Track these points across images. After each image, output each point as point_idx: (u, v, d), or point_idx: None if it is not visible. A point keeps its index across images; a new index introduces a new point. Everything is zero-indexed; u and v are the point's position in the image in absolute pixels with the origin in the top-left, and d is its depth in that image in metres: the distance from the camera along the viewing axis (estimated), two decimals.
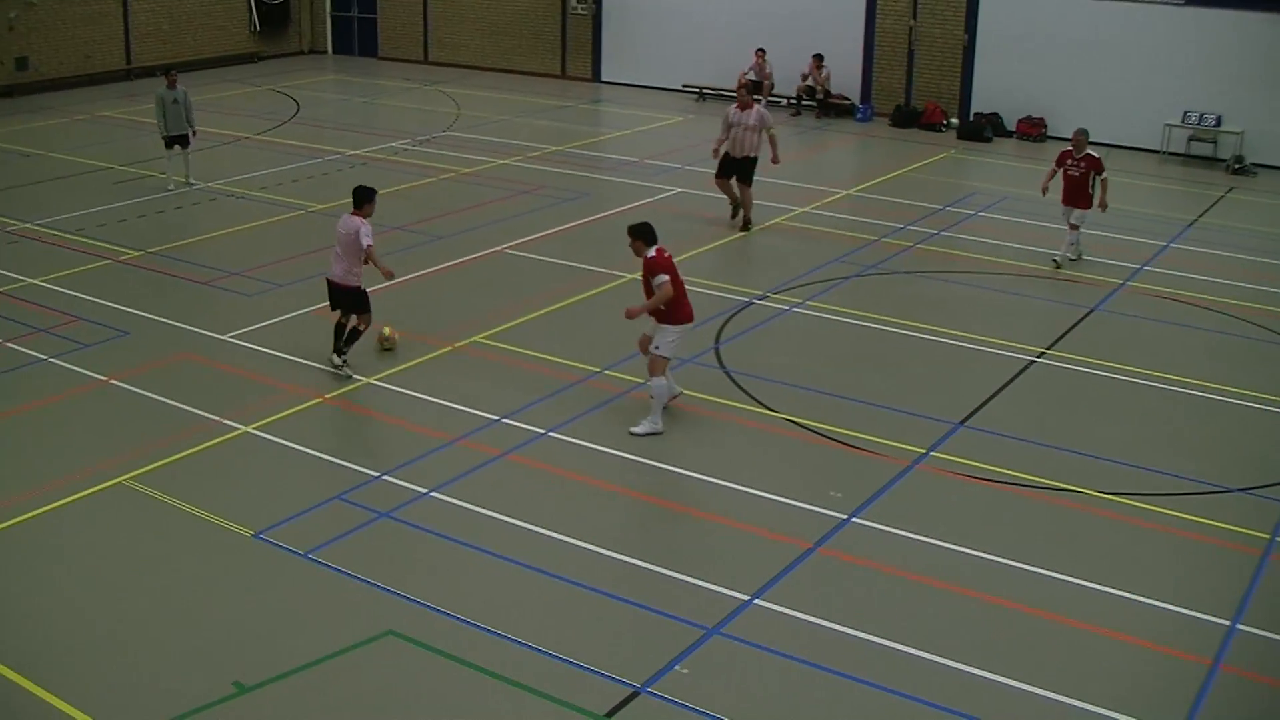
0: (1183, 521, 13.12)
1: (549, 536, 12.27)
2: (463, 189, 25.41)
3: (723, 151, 22.91)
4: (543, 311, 18.22)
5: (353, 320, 15.81)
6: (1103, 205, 21.29)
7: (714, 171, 23.30)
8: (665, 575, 11.70)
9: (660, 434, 14.45)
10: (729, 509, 12.97)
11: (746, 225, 22.93)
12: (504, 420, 14.60)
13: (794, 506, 13.00)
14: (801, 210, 24.35)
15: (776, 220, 23.50)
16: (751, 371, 16.23)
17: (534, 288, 19.25)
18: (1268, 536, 12.90)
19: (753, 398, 15.49)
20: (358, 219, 15.46)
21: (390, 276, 15.67)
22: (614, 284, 19.26)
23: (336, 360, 15.77)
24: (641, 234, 14.48)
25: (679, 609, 11.15)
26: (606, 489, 13.47)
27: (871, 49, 34.86)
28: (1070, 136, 21.77)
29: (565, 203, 24.44)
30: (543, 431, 14.38)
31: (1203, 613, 11.53)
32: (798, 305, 18.85)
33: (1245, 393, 16.34)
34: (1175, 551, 12.66)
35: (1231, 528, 13.03)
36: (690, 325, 14.66)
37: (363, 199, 15.59)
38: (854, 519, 12.80)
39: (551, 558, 11.91)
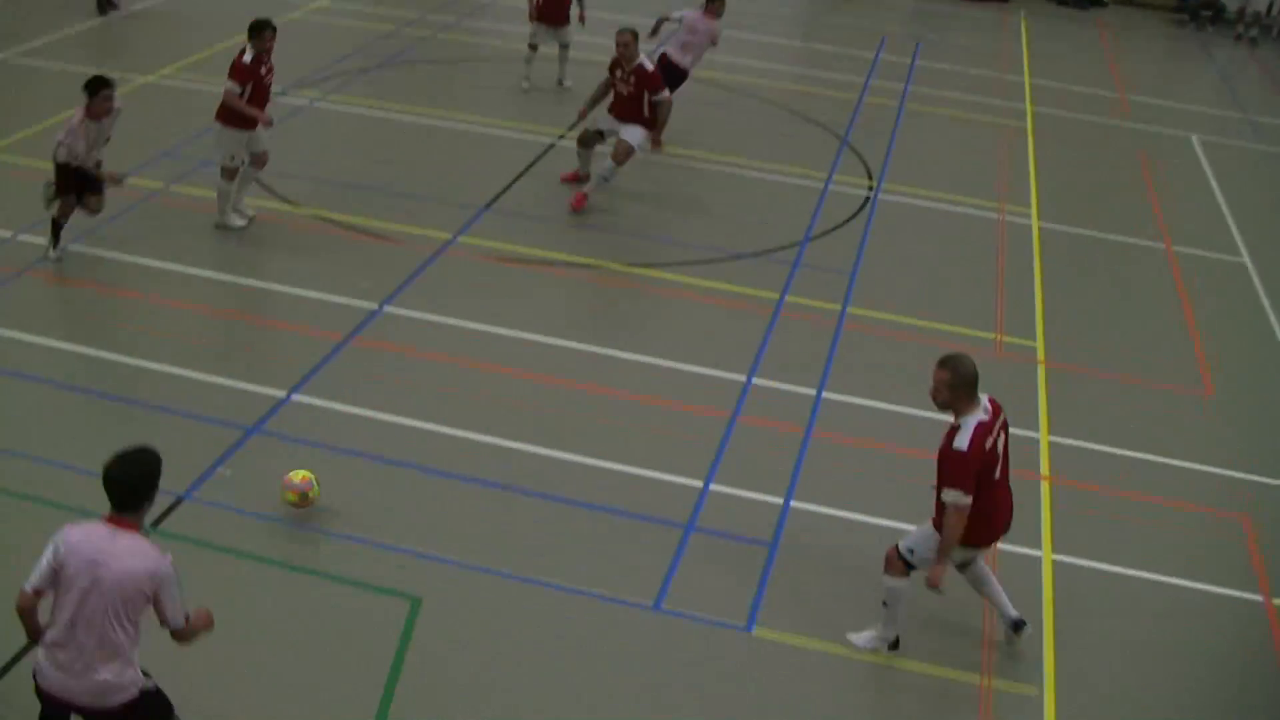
0: (702, 288, 13.97)
1: (81, 353, 11.92)
2: None
3: None
4: None
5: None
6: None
7: None
8: (202, 380, 11.58)
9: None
10: (264, 308, 12.95)
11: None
12: (20, 238, 13.90)
13: (327, 301, 13.05)
14: (319, 5, 23.80)
15: (293, 15, 22.88)
16: (275, 170, 15.91)
17: None
18: (777, 296, 13.89)
19: (278, 195, 15.29)
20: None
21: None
22: None
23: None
24: None
25: (217, 411, 11.11)
26: (134, 298, 13.10)
27: None
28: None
29: None
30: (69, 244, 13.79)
31: (722, 370, 12.38)
32: (318, 100, 18.57)
33: (751, 164, 17.37)
34: (695, 316, 13.50)
35: (746, 291, 13.97)
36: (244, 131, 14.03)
37: None
38: (385, 308, 12.99)
39: (86, 374, 11.60)
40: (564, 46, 19.72)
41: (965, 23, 28.22)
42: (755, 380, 12.37)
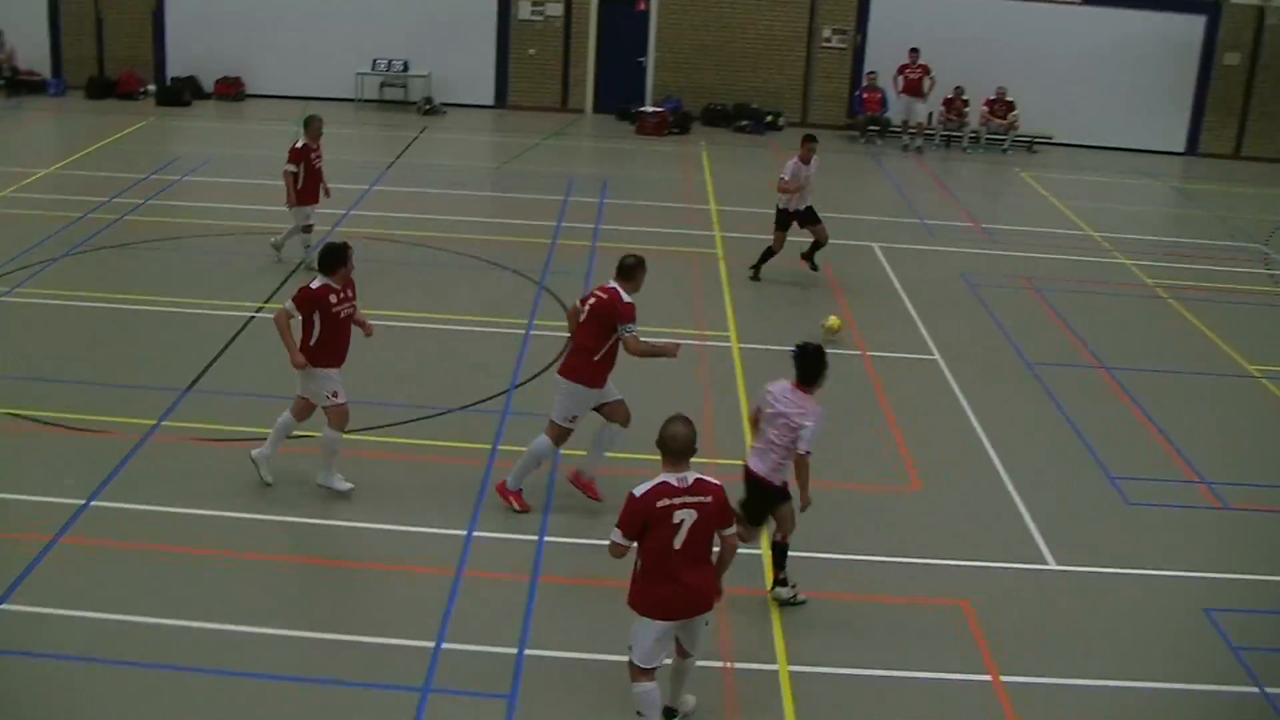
0: (416, 447, 13.92)
1: None
2: None
3: None
4: None
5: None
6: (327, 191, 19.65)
7: None
8: None
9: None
10: None
11: None
12: None
13: (29, 501, 12.55)
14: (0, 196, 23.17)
15: None
16: None
17: None
18: (490, 446, 13.96)
19: None
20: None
21: None
22: None
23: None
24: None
25: None
26: None
27: (58, 20, 33.66)
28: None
29: None
30: None
31: (441, 528, 12.36)
32: (5, 294, 18.00)
33: (452, 317, 17.53)
34: (414, 476, 13.43)
35: (458, 445, 14.00)
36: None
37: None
38: (93, 502, 12.55)
39: None
40: (309, 228, 19.44)
41: (648, 157, 29.21)
42: (476, 533, 12.37)
